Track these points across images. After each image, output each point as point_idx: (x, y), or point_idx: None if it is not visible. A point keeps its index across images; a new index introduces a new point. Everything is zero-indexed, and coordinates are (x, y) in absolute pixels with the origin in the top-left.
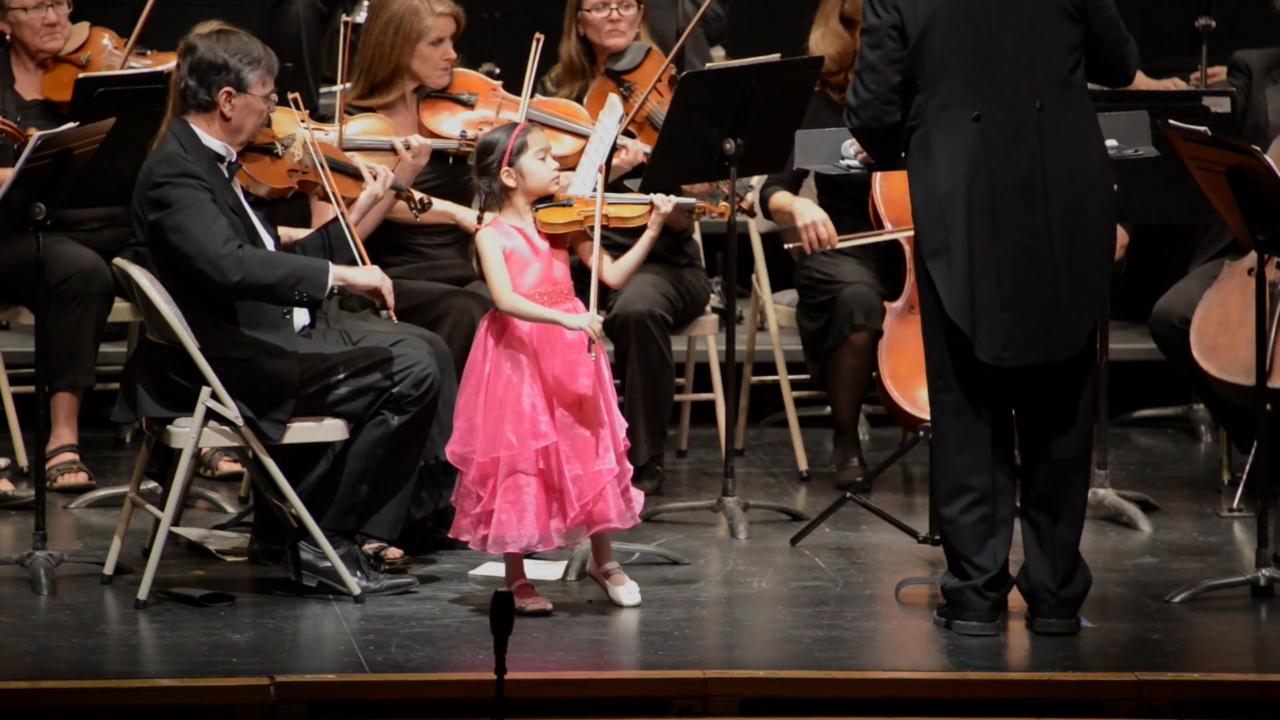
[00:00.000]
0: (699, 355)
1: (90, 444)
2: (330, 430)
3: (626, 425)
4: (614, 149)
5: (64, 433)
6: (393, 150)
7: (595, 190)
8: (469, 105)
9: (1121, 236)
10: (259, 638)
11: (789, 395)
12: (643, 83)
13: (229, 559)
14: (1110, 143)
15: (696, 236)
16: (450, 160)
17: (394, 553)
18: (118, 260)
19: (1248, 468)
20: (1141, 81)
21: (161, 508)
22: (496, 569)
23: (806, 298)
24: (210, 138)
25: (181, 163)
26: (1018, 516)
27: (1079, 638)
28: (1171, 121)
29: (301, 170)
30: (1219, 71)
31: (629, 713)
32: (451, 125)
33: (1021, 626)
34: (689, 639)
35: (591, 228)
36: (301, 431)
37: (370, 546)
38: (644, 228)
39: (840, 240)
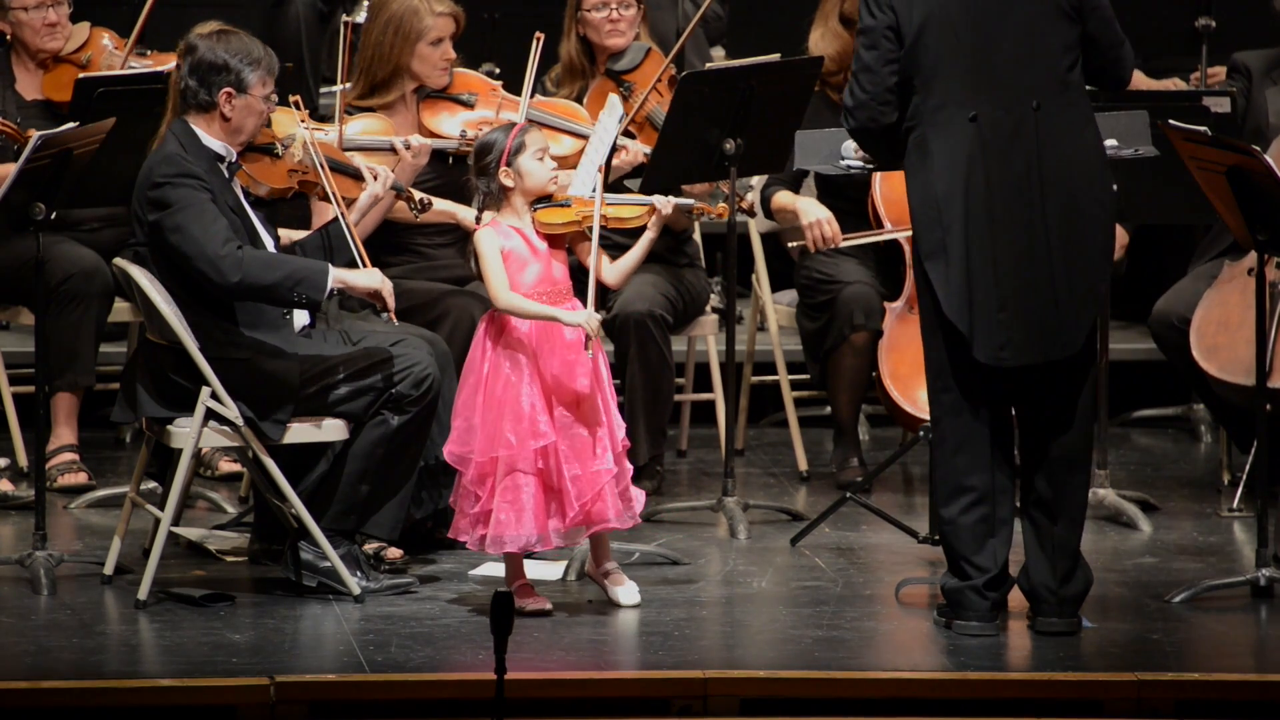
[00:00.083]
0: (699, 355)
1: (90, 444)
2: (330, 430)
3: (625, 425)
4: (614, 149)
5: (64, 433)
6: (393, 150)
7: (594, 191)
8: (469, 105)
9: (1121, 236)
10: (259, 638)
11: (789, 395)
12: (643, 83)
13: (229, 559)
14: (1110, 142)
15: (696, 236)
16: (450, 160)
17: (394, 553)
18: (118, 260)
19: (1248, 468)
20: (1141, 81)
21: (161, 508)
22: (496, 569)
23: (806, 298)
24: (210, 138)
25: (181, 163)
26: (1018, 516)
27: (1079, 638)
28: (1171, 121)
29: (301, 170)
30: (1219, 71)
31: (629, 713)
32: (451, 125)
33: (1021, 626)
34: (689, 639)
35: (590, 228)
36: (301, 432)
37: (370, 546)
38: (643, 228)
39: (844, 239)
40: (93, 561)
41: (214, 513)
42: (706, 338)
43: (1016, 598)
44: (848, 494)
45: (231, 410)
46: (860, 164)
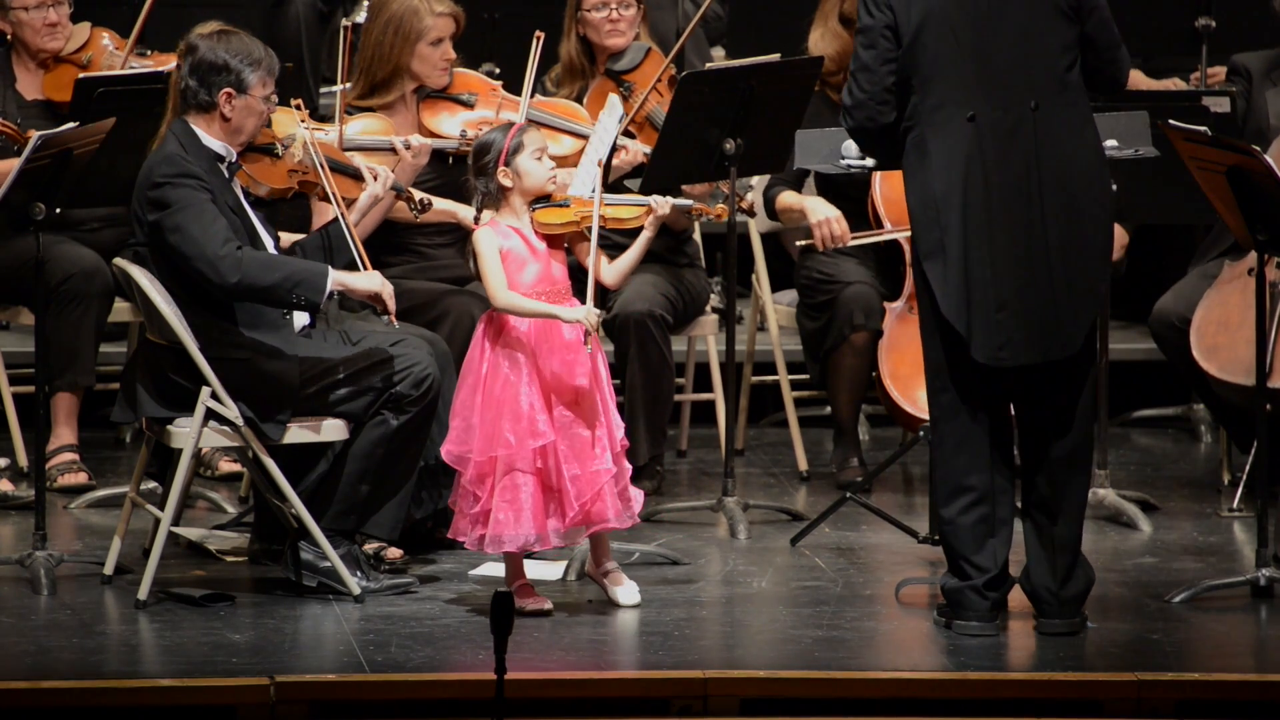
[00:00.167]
0: (699, 355)
1: (90, 444)
2: (330, 430)
3: (624, 425)
4: (614, 149)
5: (64, 433)
6: (393, 150)
7: (594, 191)
8: (469, 105)
9: (1121, 236)
10: (259, 638)
11: (789, 395)
12: (642, 83)
13: (229, 559)
14: (1110, 143)
15: (696, 236)
16: (450, 160)
17: (394, 553)
18: (118, 260)
19: (1248, 468)
20: (1141, 81)
21: (161, 508)
22: (496, 569)
23: (806, 298)
24: (210, 138)
25: (181, 163)
26: (1018, 516)
27: (1079, 638)
28: (1171, 121)
29: (302, 170)
30: (1219, 71)
31: (629, 713)
32: (451, 125)
33: (1021, 626)
34: (689, 639)
35: (588, 229)
36: (301, 432)
37: (370, 546)
38: (641, 228)
39: (852, 238)
40: (93, 561)
41: (214, 513)
42: (706, 338)
43: (1017, 598)
44: (848, 494)
45: (231, 410)
46: (860, 164)
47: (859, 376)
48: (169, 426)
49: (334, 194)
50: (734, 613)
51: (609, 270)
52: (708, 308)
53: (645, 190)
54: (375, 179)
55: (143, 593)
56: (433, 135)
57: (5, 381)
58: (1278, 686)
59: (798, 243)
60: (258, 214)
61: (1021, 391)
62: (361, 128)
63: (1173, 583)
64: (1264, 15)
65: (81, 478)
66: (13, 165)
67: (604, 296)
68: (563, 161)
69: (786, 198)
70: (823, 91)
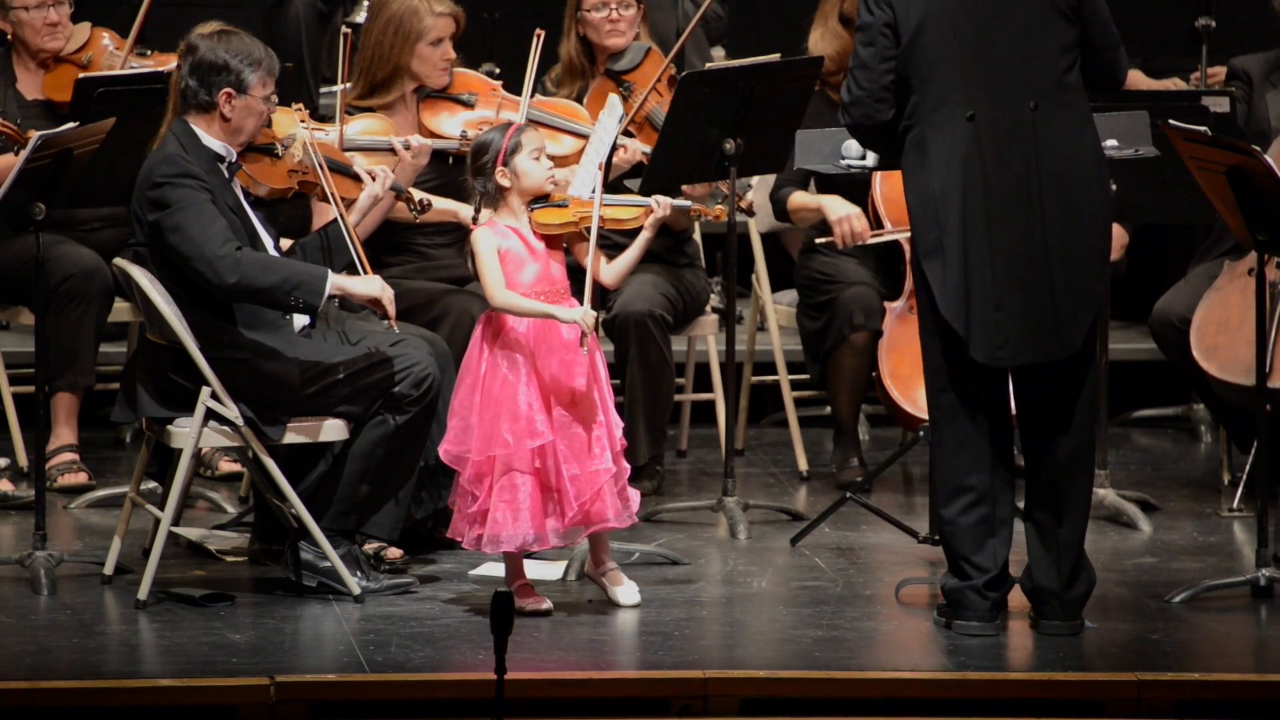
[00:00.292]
0: (699, 355)
1: (90, 444)
2: (330, 430)
3: (623, 424)
4: (614, 149)
5: (64, 433)
6: (392, 151)
7: (594, 191)
8: (469, 105)
9: (1121, 236)
10: (259, 638)
11: (789, 395)
12: (642, 83)
13: (229, 559)
14: (1110, 143)
15: (696, 236)
16: (450, 160)
17: (394, 553)
18: (118, 260)
19: (1248, 468)
20: (1141, 81)
21: (161, 508)
22: (496, 569)
23: (806, 298)
24: (210, 138)
25: (181, 163)
26: (1019, 517)
27: (1080, 638)
28: (1171, 121)
29: (301, 171)
30: (1219, 71)
31: (629, 713)
32: (451, 125)
33: (1021, 626)
34: (689, 639)
35: (587, 229)
36: (301, 431)
37: (370, 546)
38: (640, 229)
39: (871, 236)
40: (93, 561)
41: (214, 513)
42: (706, 338)
43: (1017, 598)
44: (848, 494)
45: (231, 410)
46: (860, 164)
47: (859, 376)
48: (169, 426)
49: (333, 194)
50: (734, 613)
51: (607, 270)
52: (708, 308)
53: (645, 190)
54: (375, 179)
55: (143, 593)
56: (433, 135)
57: (5, 381)
58: (1278, 686)
59: (817, 240)
60: (258, 214)
61: (1022, 391)
62: (361, 128)
63: (1173, 583)
64: (1264, 15)
65: (81, 478)
66: (13, 162)
67: (604, 296)
68: (562, 161)
69: (799, 197)
70: (823, 91)
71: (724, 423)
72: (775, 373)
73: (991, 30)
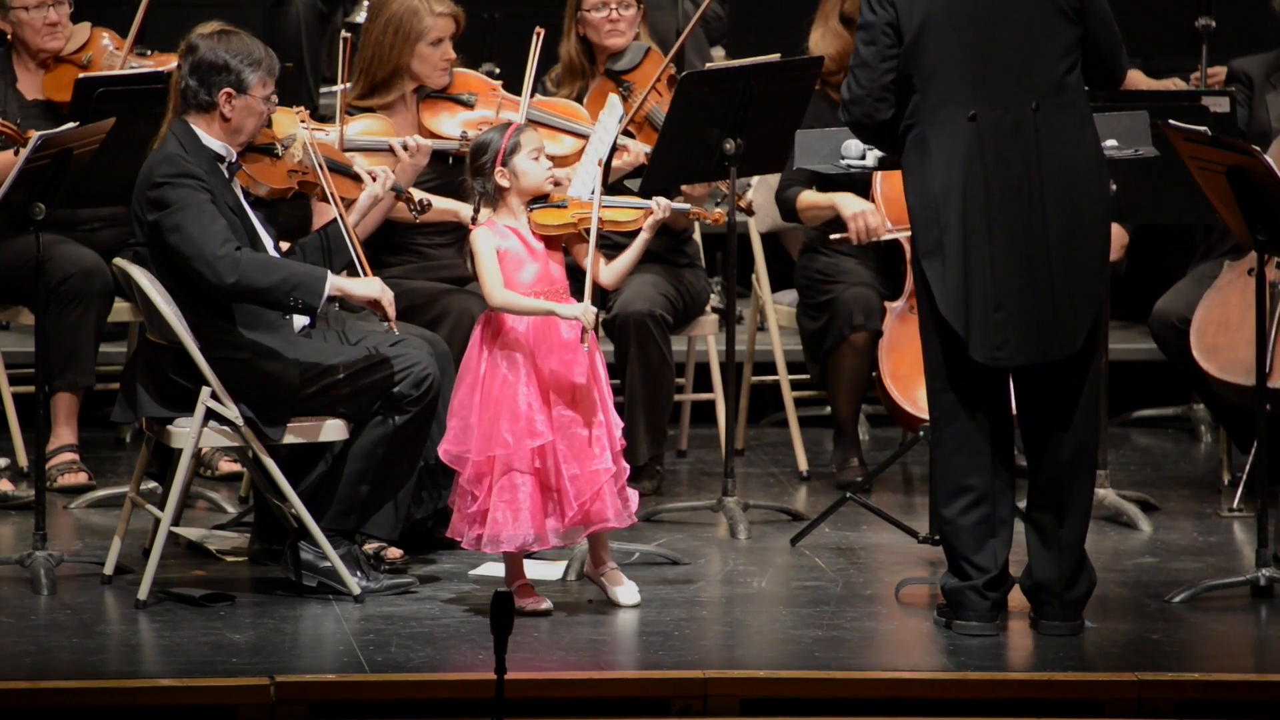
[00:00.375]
0: (699, 355)
1: (90, 444)
2: (330, 430)
3: (623, 424)
4: (614, 149)
5: (64, 433)
6: (392, 151)
7: (593, 192)
8: (469, 105)
9: (1121, 236)
10: (259, 638)
11: (789, 395)
12: (642, 83)
13: (229, 559)
14: (1110, 143)
15: (696, 236)
16: (450, 160)
17: (394, 553)
18: (118, 260)
19: (1248, 468)
20: (1141, 81)
21: (161, 508)
22: (496, 569)
23: (806, 298)
24: (210, 138)
25: (181, 163)
26: (1020, 517)
27: (1080, 638)
28: (1171, 121)
29: (301, 171)
30: (1219, 71)
31: (629, 713)
32: (451, 125)
33: (1021, 626)
34: (689, 639)
35: (586, 230)
36: (301, 431)
37: (370, 546)
38: (639, 230)
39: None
40: (93, 561)
41: (214, 513)
42: (706, 338)
43: (1016, 598)
44: (848, 494)
45: (231, 410)
46: (860, 164)
47: (859, 376)
48: (169, 426)
49: (333, 194)
50: (734, 613)
51: (606, 271)
52: (708, 308)
53: (645, 190)
54: (375, 180)
55: (143, 593)
56: (433, 135)
57: (5, 381)
58: (1278, 686)
59: (832, 236)
60: (257, 214)
61: (1022, 391)
62: (362, 128)
63: (1173, 583)
64: (1264, 16)
65: (81, 478)
66: (13, 162)
67: (604, 296)
68: (562, 161)
69: (809, 196)
70: (824, 91)
71: (724, 423)
72: (775, 373)
73: (993, 30)
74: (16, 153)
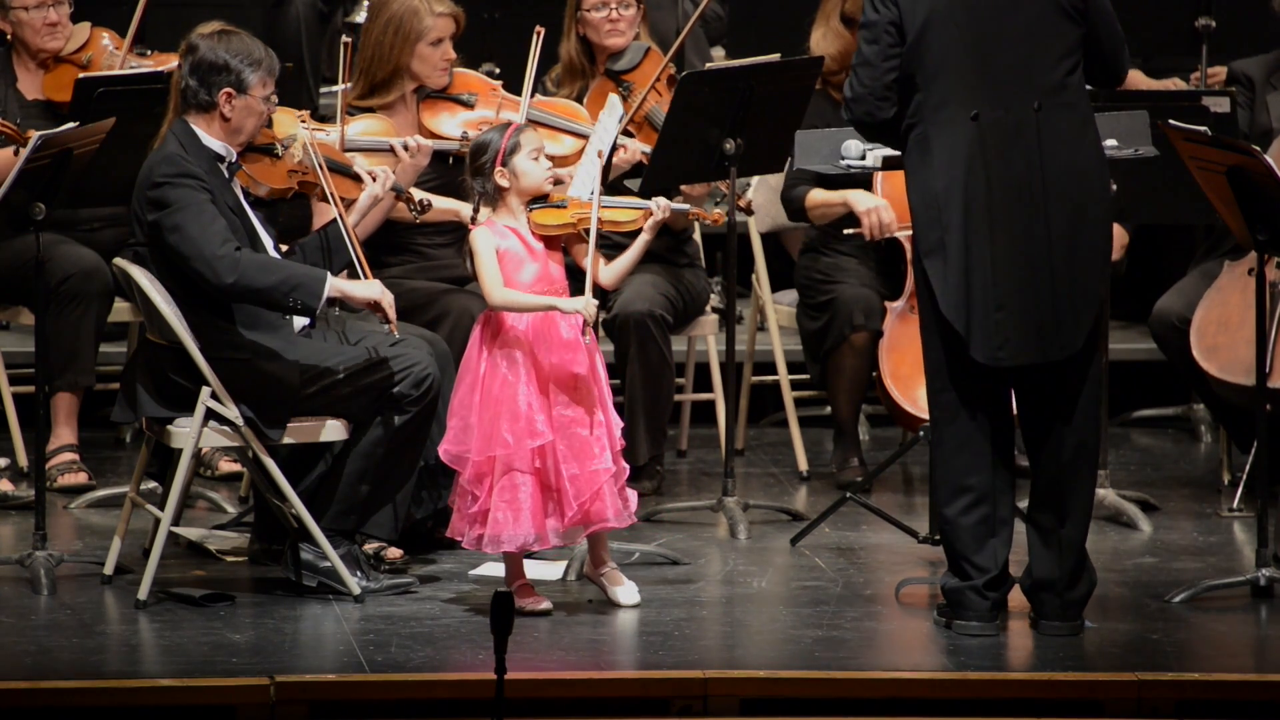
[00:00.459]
0: (699, 355)
1: (90, 444)
2: (330, 430)
3: (623, 424)
4: (614, 149)
5: (64, 433)
6: (393, 151)
7: (594, 191)
8: (469, 105)
9: (1121, 236)
10: (259, 638)
11: (789, 395)
12: (642, 82)
13: (229, 559)
14: (1110, 143)
15: (696, 236)
16: (450, 161)
17: (394, 553)
18: (118, 260)
19: (1248, 468)
20: (1141, 81)
21: (161, 508)
22: (496, 569)
23: (806, 298)
24: (210, 138)
25: (181, 163)
26: (1021, 517)
27: (1079, 638)
28: (1171, 121)
29: (301, 171)
30: (1219, 71)
31: (629, 713)
32: (451, 126)
33: (1021, 626)
34: (689, 639)
35: (586, 231)
36: (301, 431)
37: (370, 546)
38: (639, 231)
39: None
40: (93, 561)
41: (214, 513)
42: (706, 338)
43: (1016, 598)
44: (848, 494)
45: (231, 410)
46: (860, 164)
47: (859, 376)
48: (169, 426)
49: (332, 195)
50: (734, 613)
51: (606, 271)
52: (708, 308)
53: (645, 190)
54: (375, 180)
55: (143, 593)
56: (433, 135)
57: (5, 381)
58: (1278, 686)
59: (845, 231)
60: (257, 214)
61: (1023, 391)
62: (362, 129)
63: (1173, 583)
64: (1264, 16)
65: (81, 478)
66: (13, 161)
67: (604, 296)
68: (562, 161)
69: (818, 194)
70: (825, 90)
71: (724, 423)
72: (775, 373)
73: (996, 30)
74: (16, 153)
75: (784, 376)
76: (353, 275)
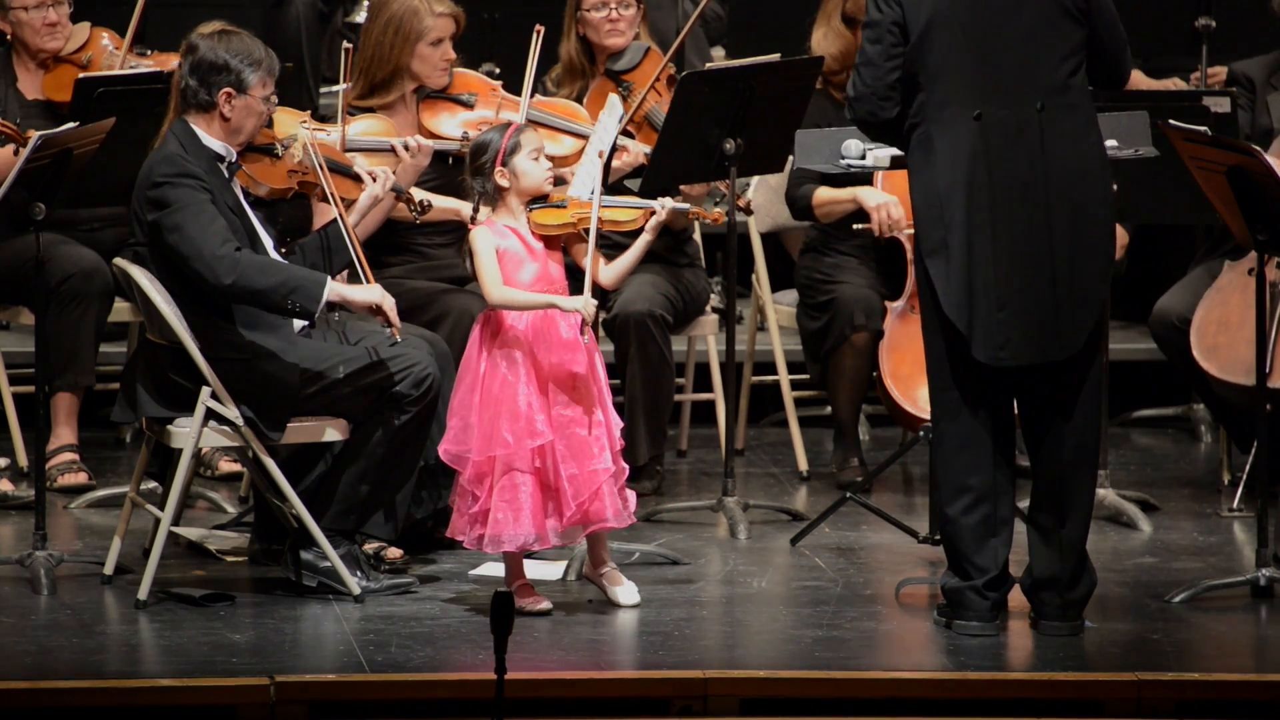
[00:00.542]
0: (699, 355)
1: (90, 444)
2: (330, 430)
3: (623, 424)
4: (614, 149)
5: (64, 433)
6: (393, 151)
7: (594, 191)
8: (469, 105)
9: (1121, 236)
10: (259, 638)
11: (789, 395)
12: (642, 82)
13: (229, 559)
14: (1110, 143)
15: (696, 236)
16: (450, 161)
17: (394, 553)
18: (118, 260)
19: (1248, 468)
20: (1141, 81)
21: (161, 508)
22: (496, 569)
23: (806, 298)
24: (210, 138)
25: (181, 163)
26: (1021, 517)
27: (1080, 638)
28: (1171, 121)
29: (302, 171)
30: (1219, 71)
31: (629, 713)
32: (451, 126)
33: (1021, 626)
34: (689, 639)
35: (585, 231)
36: (301, 431)
37: (370, 546)
38: (639, 230)
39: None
40: (93, 561)
41: (214, 513)
42: (706, 338)
43: (1016, 598)
44: (848, 494)
45: (231, 410)
46: (860, 164)
47: (859, 376)
48: (169, 426)
49: (332, 195)
50: (734, 613)
51: (606, 271)
52: (708, 308)
53: (645, 190)
54: (375, 180)
55: (143, 593)
56: (433, 136)
57: (5, 381)
58: (1278, 686)
59: (855, 226)
60: (257, 214)
61: (1024, 391)
62: (362, 129)
63: (1173, 583)
64: (1263, 16)
65: (81, 478)
66: (13, 161)
67: (604, 296)
68: (562, 161)
69: (825, 192)
70: (826, 90)
71: (724, 423)
72: (775, 373)
73: (1000, 31)
74: (16, 153)
75: (784, 376)
76: (353, 275)
